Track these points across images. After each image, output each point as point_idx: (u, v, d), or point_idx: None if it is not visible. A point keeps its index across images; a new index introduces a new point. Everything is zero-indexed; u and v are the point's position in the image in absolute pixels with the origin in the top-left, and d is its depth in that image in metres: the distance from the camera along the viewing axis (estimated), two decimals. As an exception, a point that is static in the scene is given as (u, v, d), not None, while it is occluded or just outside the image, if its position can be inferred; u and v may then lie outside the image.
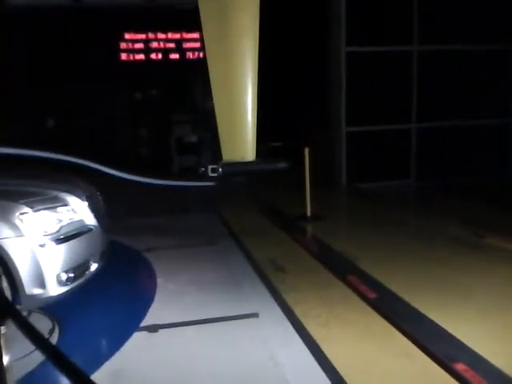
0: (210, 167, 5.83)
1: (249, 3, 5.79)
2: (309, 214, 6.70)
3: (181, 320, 3.82)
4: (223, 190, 7.48)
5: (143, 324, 3.78)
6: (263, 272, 4.79)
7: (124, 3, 11.67)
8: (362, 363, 3.10)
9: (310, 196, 6.72)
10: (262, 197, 8.52)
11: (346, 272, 4.66)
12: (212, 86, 5.97)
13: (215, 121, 6.06)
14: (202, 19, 5.94)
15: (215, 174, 5.81)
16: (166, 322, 3.79)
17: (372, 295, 4.09)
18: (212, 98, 5.97)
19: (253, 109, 5.84)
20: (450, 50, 9.40)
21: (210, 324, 3.76)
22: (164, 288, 4.53)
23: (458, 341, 3.26)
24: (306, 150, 6.67)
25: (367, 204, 7.99)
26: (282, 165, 6.15)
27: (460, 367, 2.91)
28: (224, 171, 5.75)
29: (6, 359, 1.50)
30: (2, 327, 1.45)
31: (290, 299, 4.11)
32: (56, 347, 1.36)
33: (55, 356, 1.26)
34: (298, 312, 3.86)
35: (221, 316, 3.86)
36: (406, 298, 3.99)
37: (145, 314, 3.96)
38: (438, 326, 3.49)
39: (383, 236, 5.90)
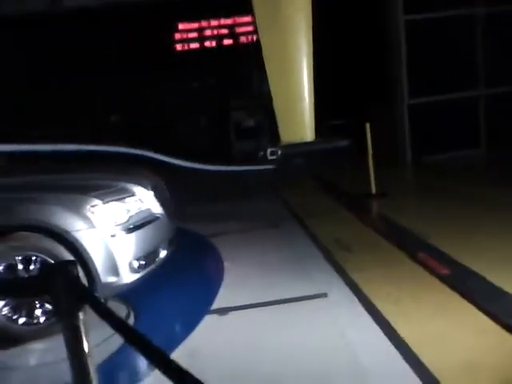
0: (269, 150, 5.84)
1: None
2: (374, 191, 6.54)
3: (249, 302, 3.86)
4: (284, 172, 7.44)
5: (213, 307, 3.85)
6: (329, 252, 4.74)
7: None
8: (435, 341, 2.99)
9: (374, 173, 6.55)
10: (324, 177, 8.42)
11: (415, 249, 4.52)
12: (267, 68, 5.94)
13: (272, 104, 6.06)
14: (253, 3, 5.92)
15: (274, 157, 5.82)
16: (235, 305, 3.84)
17: (445, 271, 3.94)
18: (268, 81, 5.97)
19: (309, 88, 5.76)
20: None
21: (278, 305, 3.77)
22: (231, 271, 4.59)
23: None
24: (367, 126, 6.49)
25: (434, 178, 7.69)
26: (343, 143, 6.06)
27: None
28: (283, 153, 5.75)
29: (86, 345, 1.56)
30: (81, 313, 1.51)
31: (358, 278, 4.04)
32: (135, 329, 1.40)
33: (135, 338, 1.30)
34: (367, 291, 3.78)
35: (289, 297, 3.86)
36: (481, 273, 3.81)
37: (214, 298, 4.03)
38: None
39: (453, 211, 5.65)
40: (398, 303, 3.54)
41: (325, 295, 3.80)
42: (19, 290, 1.73)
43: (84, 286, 1.58)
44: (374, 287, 3.83)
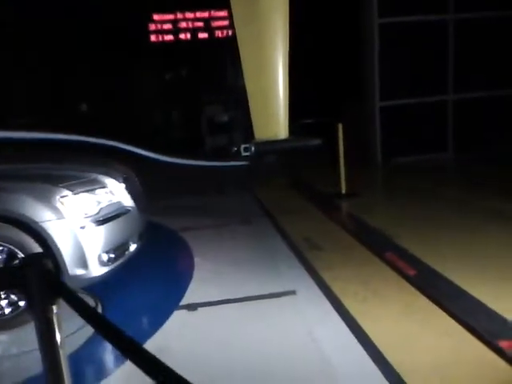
0: (242, 146, 5.85)
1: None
2: (344, 191, 6.64)
3: (219, 298, 3.87)
4: (256, 168, 7.48)
5: (183, 303, 3.85)
6: (299, 250, 4.80)
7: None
8: (401, 339, 3.07)
9: (345, 173, 6.65)
10: (295, 175, 8.49)
11: (383, 249, 4.61)
12: (243, 64, 5.94)
13: (246, 100, 6.07)
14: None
15: (248, 153, 5.83)
16: (205, 301, 3.84)
17: (411, 272, 4.03)
18: (243, 76, 5.96)
19: (284, 86, 5.78)
20: (487, 17, 9.02)
21: (247, 302, 3.80)
22: (201, 267, 4.59)
23: (501, 317, 3.19)
24: (339, 126, 6.58)
25: (403, 179, 7.85)
26: (315, 142, 6.11)
27: (504, 344, 2.85)
28: (257, 150, 5.76)
29: (58, 337, 1.54)
30: (55, 306, 1.49)
31: (326, 276, 4.10)
32: (109, 321, 1.39)
33: (109, 329, 1.29)
34: (336, 289, 3.85)
35: (258, 294, 3.89)
36: (446, 274, 3.92)
37: (184, 293, 4.03)
38: (479, 302, 3.42)
39: (421, 211, 5.80)
40: (366, 302, 3.61)
41: (293, 293, 3.85)
42: None
43: (57, 278, 1.56)
44: (343, 286, 3.90)
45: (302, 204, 6.65)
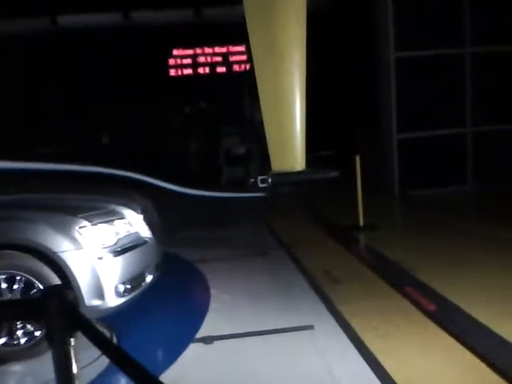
0: (259, 178, 5.85)
1: (296, 15, 5.83)
2: (362, 223, 6.57)
3: (236, 331, 3.81)
4: (272, 200, 7.47)
5: (199, 335, 3.79)
6: (317, 283, 4.73)
7: (172, 20, 11.99)
8: (422, 378, 2.98)
9: (363, 205, 6.59)
10: (311, 206, 8.45)
11: (403, 283, 4.52)
12: (260, 97, 6.01)
13: (263, 132, 6.11)
14: (249, 31, 6.02)
15: (265, 185, 5.83)
16: (221, 334, 3.78)
17: (431, 306, 3.94)
18: (260, 109, 6.02)
19: (301, 118, 5.82)
20: (504, 50, 9.05)
21: (265, 336, 3.73)
22: (218, 299, 4.54)
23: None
24: (357, 158, 6.56)
25: (422, 212, 7.76)
26: (332, 174, 6.09)
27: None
28: (273, 181, 5.76)
29: (75, 368, 1.53)
30: (72, 339, 1.48)
31: (345, 311, 4.02)
32: (126, 353, 1.37)
33: (125, 360, 1.27)
34: (355, 324, 3.77)
35: (276, 328, 3.82)
36: (467, 309, 3.82)
37: (200, 325, 3.98)
38: (502, 338, 3.31)
39: (441, 245, 5.70)
40: (385, 338, 3.53)
41: (311, 327, 3.77)
42: (11, 313, 1.69)
43: (78, 311, 1.55)
44: (362, 320, 3.82)
45: (319, 236, 6.60)
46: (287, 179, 5.69)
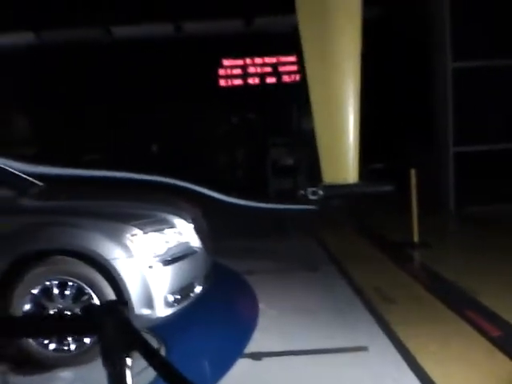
0: (309, 190, 5.72)
1: (350, 25, 5.71)
2: (416, 239, 6.29)
3: (285, 349, 3.69)
4: (322, 212, 7.28)
5: (247, 351, 3.69)
6: (369, 301, 4.53)
7: (222, 30, 12.08)
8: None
9: (417, 221, 6.31)
10: (363, 220, 8.21)
11: (462, 305, 4.27)
12: (312, 108, 5.90)
13: (312, 143, 5.99)
14: (302, 42, 5.94)
15: (315, 197, 5.69)
16: (270, 351, 3.67)
17: (496, 333, 3.68)
18: (311, 119, 5.91)
19: (355, 130, 5.67)
20: None
21: (315, 355, 3.59)
22: (266, 314, 4.42)
23: None
24: (413, 172, 6.30)
25: (479, 229, 7.38)
26: (386, 187, 5.89)
27: None
28: (325, 194, 5.61)
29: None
30: (129, 359, 1.40)
31: (400, 332, 3.81)
32: (176, 368, 1.27)
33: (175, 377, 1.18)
34: (411, 347, 3.56)
35: (327, 347, 3.67)
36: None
37: (248, 340, 3.87)
38: None
39: (502, 266, 5.35)
40: (446, 364, 3.30)
41: (365, 349, 3.60)
42: (68, 329, 1.63)
43: (135, 329, 1.47)
44: (419, 344, 3.60)
45: (371, 252, 6.37)
46: (339, 192, 5.54)
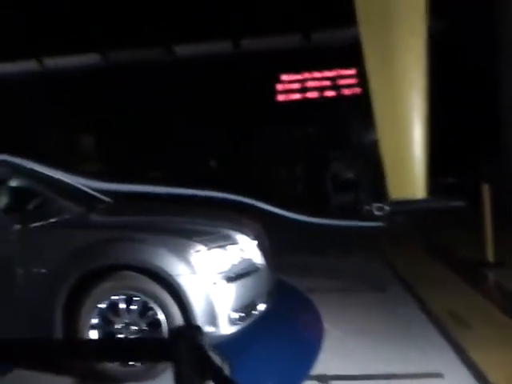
0: (375, 205, 5.53)
1: (415, 38, 5.55)
2: (490, 258, 5.90)
3: (353, 373, 3.52)
4: (387, 228, 7.01)
5: (313, 373, 3.54)
6: (443, 325, 4.25)
7: (280, 45, 12.11)
8: None
9: (492, 239, 5.93)
10: (431, 238, 7.82)
11: (548, 332, 3.93)
12: (377, 120, 5.72)
13: (374, 156, 5.82)
14: (365, 55, 5.81)
15: (381, 213, 5.49)
16: (337, 374, 3.51)
17: None
18: (372, 132, 5.76)
19: (422, 143, 5.46)
20: None
21: (386, 381, 3.39)
22: (332, 335, 4.24)
23: None
24: (485, 187, 5.94)
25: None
26: (456, 203, 5.60)
27: None
28: (392, 210, 5.40)
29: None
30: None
31: (480, 360, 3.54)
32: None
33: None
34: (493, 377, 3.29)
35: (397, 372, 3.46)
36: None
37: (313, 362, 3.72)
38: None
39: None
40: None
41: (440, 375, 3.37)
42: (141, 354, 1.59)
43: (210, 357, 1.40)
44: (501, 373, 3.32)
45: (441, 271, 6.03)
46: (406, 207, 5.32)
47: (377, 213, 5.36)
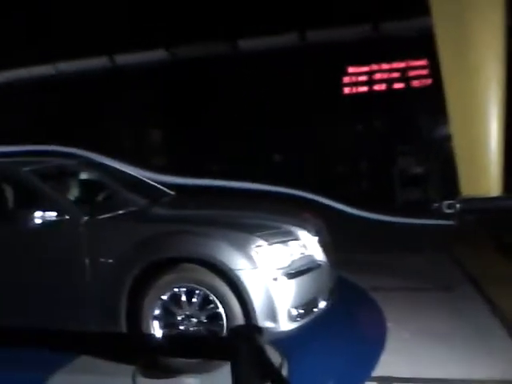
0: (445, 203, 5.29)
1: (492, 26, 5.22)
2: None
3: (418, 375, 3.39)
4: (456, 226, 6.68)
5: (375, 374, 3.44)
6: (516, 330, 4.00)
7: (347, 36, 11.84)
8: None
9: None
10: (503, 237, 7.37)
11: None
12: (450, 114, 5.45)
13: (443, 151, 5.54)
14: (438, 47, 5.54)
15: (452, 211, 5.24)
16: (401, 376, 3.38)
17: None
18: (442, 126, 5.49)
19: (499, 138, 5.15)
20: None
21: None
22: (395, 335, 4.10)
23: None
24: None
25: None
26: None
27: None
28: (464, 207, 5.14)
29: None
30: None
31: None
32: None
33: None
34: None
35: (466, 378, 3.29)
36: None
37: (376, 363, 3.61)
38: None
39: None
40: None
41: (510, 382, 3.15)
42: (202, 352, 1.58)
43: (269, 359, 1.36)
44: None
45: (515, 272, 5.68)
46: (480, 206, 5.03)
47: (447, 210, 5.11)
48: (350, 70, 12.53)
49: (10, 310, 3.95)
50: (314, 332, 3.81)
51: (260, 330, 1.44)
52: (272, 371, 1.28)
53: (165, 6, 11.45)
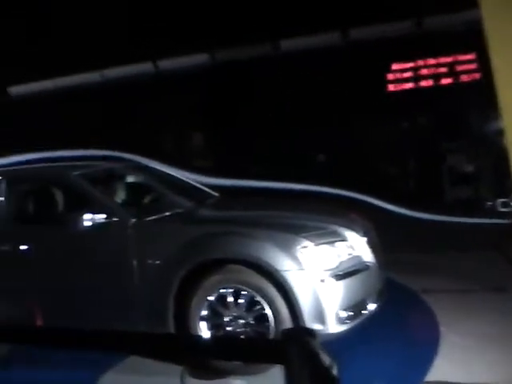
0: (499, 201, 5.08)
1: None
2: None
3: (474, 381, 3.24)
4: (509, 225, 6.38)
5: (428, 378, 3.32)
6: None
7: (390, 33, 11.60)
8: None
9: None
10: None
11: None
12: (502, 110, 5.22)
13: (496, 148, 5.30)
14: (488, 40, 5.32)
15: (506, 209, 5.03)
16: (456, 381, 3.24)
17: None
18: (493, 121, 5.26)
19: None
20: None
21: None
22: (449, 340, 3.95)
23: None
24: None
25: None
26: None
27: None
28: (519, 206, 4.92)
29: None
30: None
31: None
32: None
33: None
34: None
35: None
36: None
37: (429, 367, 3.49)
38: None
39: None
40: None
41: None
42: (252, 354, 1.57)
43: (322, 364, 1.33)
44: None
45: None
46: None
47: (502, 209, 4.90)
48: (395, 66, 12.26)
49: (62, 311, 4.06)
50: (364, 335, 3.73)
51: (313, 333, 1.40)
52: (325, 376, 1.24)
53: (205, 11, 11.56)
